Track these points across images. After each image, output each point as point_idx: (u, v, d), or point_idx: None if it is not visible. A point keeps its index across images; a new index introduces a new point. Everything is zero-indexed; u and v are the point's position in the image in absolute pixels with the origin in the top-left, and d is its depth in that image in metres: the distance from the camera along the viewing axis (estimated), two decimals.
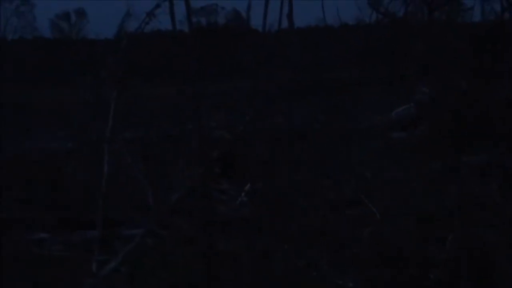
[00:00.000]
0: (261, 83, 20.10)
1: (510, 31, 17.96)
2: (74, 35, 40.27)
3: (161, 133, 13.43)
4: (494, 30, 17.97)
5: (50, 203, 8.46)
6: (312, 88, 19.34)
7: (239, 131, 12.15)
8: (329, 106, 15.73)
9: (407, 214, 7.31)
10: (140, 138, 12.38)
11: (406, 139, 12.03)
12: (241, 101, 17.75)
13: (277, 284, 5.82)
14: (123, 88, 6.57)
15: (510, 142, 10.15)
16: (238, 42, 29.51)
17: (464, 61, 15.94)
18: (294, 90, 18.00)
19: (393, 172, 9.63)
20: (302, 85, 19.63)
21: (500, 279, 5.81)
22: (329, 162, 10.22)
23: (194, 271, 5.97)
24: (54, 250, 7.02)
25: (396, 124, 12.96)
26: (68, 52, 31.22)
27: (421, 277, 5.81)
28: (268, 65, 23.72)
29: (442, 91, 12.82)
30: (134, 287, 5.94)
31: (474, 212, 7.25)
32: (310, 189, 8.62)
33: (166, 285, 5.88)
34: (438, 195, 8.13)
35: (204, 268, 5.64)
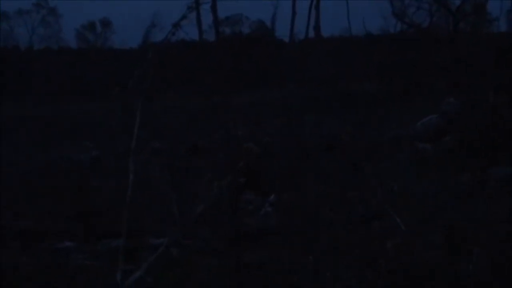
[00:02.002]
0: (288, 94, 20.11)
1: None
2: (100, 45, 40.53)
3: (187, 144, 13.48)
4: None
5: (76, 213, 8.49)
6: (338, 99, 19.30)
7: (265, 142, 12.14)
8: (355, 117, 15.69)
9: (433, 227, 7.24)
10: (166, 148, 12.44)
11: (432, 151, 11.93)
12: (268, 112, 17.78)
13: None
14: (150, 99, 6.58)
15: None
16: (264, 52, 29.51)
17: (490, 73, 15.82)
18: (320, 101, 17.99)
19: (420, 184, 9.55)
20: (328, 97, 19.61)
21: None
22: (355, 174, 10.17)
23: (220, 283, 5.96)
24: (80, 259, 7.03)
25: (422, 136, 12.84)
26: (93, 62, 31.41)
27: None
28: (294, 76, 23.72)
29: (468, 103, 12.72)
30: None
31: (502, 226, 7.16)
32: (336, 201, 8.58)
33: None
34: (465, 208, 8.05)
35: (230, 280, 5.62)
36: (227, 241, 6.62)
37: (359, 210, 8.28)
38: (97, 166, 12.06)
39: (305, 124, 15.25)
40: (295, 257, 6.43)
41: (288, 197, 9.12)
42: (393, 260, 6.28)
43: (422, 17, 31.08)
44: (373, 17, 41.77)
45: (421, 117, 13.42)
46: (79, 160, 13.11)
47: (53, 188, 9.61)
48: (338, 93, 21.31)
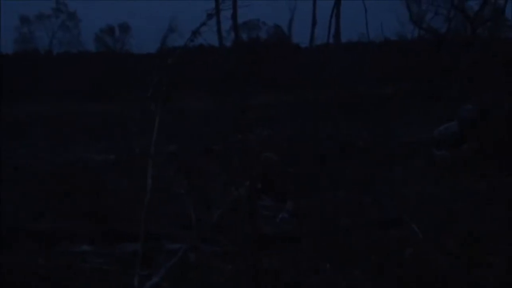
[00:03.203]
0: (304, 99, 20.08)
1: None
2: (118, 49, 40.77)
3: (203, 148, 13.49)
4: None
5: (92, 215, 8.51)
6: (355, 104, 19.26)
7: (282, 147, 12.13)
8: (372, 123, 15.65)
9: (450, 235, 7.19)
10: (182, 152, 12.46)
11: (449, 158, 11.87)
12: (284, 117, 17.77)
13: None
14: (167, 102, 6.59)
15: None
16: (281, 57, 29.52)
17: (509, 79, 15.73)
18: (337, 106, 17.94)
19: (437, 191, 9.51)
20: (345, 102, 19.57)
21: None
22: (372, 180, 10.14)
23: None
24: (96, 263, 7.04)
25: (439, 142, 12.78)
26: (112, 65, 31.58)
27: None
28: (311, 80, 23.68)
29: (486, 109, 12.64)
30: None
31: None
32: (353, 208, 8.55)
33: None
34: (482, 216, 8.00)
35: (247, 286, 5.61)
36: (245, 246, 6.61)
37: (376, 217, 8.25)
38: (114, 169, 12.09)
39: (321, 129, 15.23)
40: (312, 264, 6.42)
41: (305, 203, 9.11)
42: (409, 268, 6.25)
43: (439, 22, 30.98)
44: (390, 23, 41.70)
45: (438, 123, 13.36)
46: (96, 162, 13.17)
47: (70, 189, 9.63)
48: (355, 98, 21.26)
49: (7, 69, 29.90)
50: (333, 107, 18.02)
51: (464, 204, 8.57)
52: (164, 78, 6.21)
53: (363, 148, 12.88)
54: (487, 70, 19.83)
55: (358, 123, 16.20)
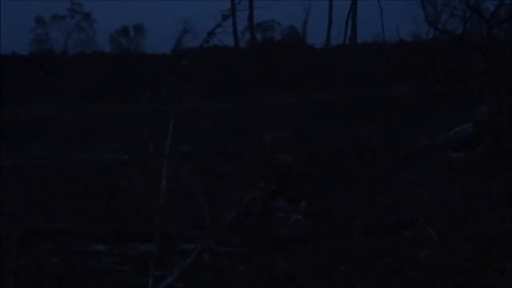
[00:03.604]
0: (319, 99, 20.05)
1: None
2: (133, 50, 40.88)
3: (217, 148, 13.49)
4: None
5: (106, 215, 8.54)
6: (369, 105, 19.20)
7: (296, 148, 12.11)
8: (387, 124, 15.59)
9: (465, 238, 7.15)
10: (196, 152, 12.47)
11: (464, 160, 11.81)
12: (299, 117, 17.75)
13: None
14: (182, 103, 6.60)
15: None
16: (296, 58, 29.48)
17: None
18: (352, 107, 17.91)
19: (452, 193, 9.46)
20: (360, 103, 19.52)
21: None
22: (386, 182, 10.10)
23: None
24: (110, 263, 7.05)
25: (454, 144, 12.72)
26: (126, 66, 31.68)
27: None
28: (326, 81, 23.62)
29: (501, 111, 12.57)
30: None
31: None
32: (367, 209, 8.52)
33: None
34: (498, 218, 7.95)
35: (261, 287, 5.60)
36: (259, 247, 6.60)
37: (390, 219, 8.21)
38: (127, 169, 12.11)
39: (336, 130, 15.20)
40: (326, 266, 6.40)
41: (319, 205, 9.09)
42: (423, 271, 6.22)
43: (455, 23, 30.82)
44: (405, 24, 41.47)
45: (453, 124, 13.30)
46: (109, 163, 13.20)
47: (84, 190, 9.67)
48: (370, 99, 21.20)
49: (23, 70, 30.09)
50: (348, 108, 17.98)
51: (479, 206, 8.51)
52: (179, 79, 6.22)
53: (378, 150, 12.82)
54: (502, 71, 19.70)
55: (373, 124, 16.15)
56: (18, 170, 11.84)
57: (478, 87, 20.12)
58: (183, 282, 6.06)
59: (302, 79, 27.09)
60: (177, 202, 8.24)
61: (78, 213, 8.67)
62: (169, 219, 7.11)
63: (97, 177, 10.87)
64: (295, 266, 6.41)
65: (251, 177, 8.41)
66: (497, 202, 8.78)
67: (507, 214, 8.09)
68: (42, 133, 16.42)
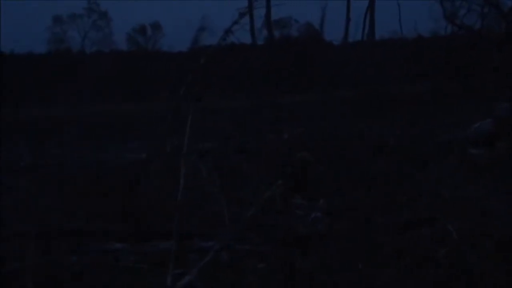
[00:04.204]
0: (336, 96, 19.99)
1: None
2: (150, 48, 40.96)
3: (235, 146, 13.48)
4: None
5: (124, 214, 8.56)
6: (387, 102, 19.13)
7: (315, 146, 12.08)
8: (405, 121, 15.52)
9: (485, 235, 7.08)
10: (214, 150, 12.46)
11: (484, 156, 11.71)
12: (316, 114, 17.72)
13: None
14: (199, 101, 6.60)
15: None
16: (313, 55, 29.42)
17: None
18: (370, 104, 17.84)
19: (471, 190, 9.38)
20: (378, 99, 19.46)
21: None
22: (405, 179, 10.04)
23: None
24: (129, 261, 7.07)
25: (473, 140, 12.62)
26: (143, 64, 31.76)
27: None
28: (343, 78, 23.57)
29: None
30: None
31: None
32: (385, 207, 8.48)
33: None
34: None
35: (281, 286, 5.58)
36: (278, 245, 6.59)
37: (409, 216, 8.16)
38: (146, 167, 12.14)
39: (353, 127, 15.16)
40: (345, 263, 6.38)
41: (338, 202, 9.06)
42: (444, 268, 6.18)
43: (473, 19, 30.66)
44: (423, 19, 41.32)
45: (472, 121, 13.19)
46: (128, 161, 13.24)
47: (103, 188, 9.69)
48: (388, 96, 21.13)
49: (40, 69, 30.25)
50: (366, 105, 17.93)
51: (499, 204, 8.44)
52: (197, 77, 6.21)
53: (397, 147, 12.76)
54: None
55: (392, 121, 16.08)
56: (37, 170, 11.89)
57: (496, 83, 19.99)
58: (202, 280, 6.06)
59: (321, 76, 27.02)
60: (195, 200, 8.24)
61: (96, 212, 8.69)
62: (187, 217, 7.11)
63: (115, 175, 10.90)
64: (314, 264, 6.39)
65: (270, 174, 8.40)
66: None
67: None
68: (60, 132, 16.50)
